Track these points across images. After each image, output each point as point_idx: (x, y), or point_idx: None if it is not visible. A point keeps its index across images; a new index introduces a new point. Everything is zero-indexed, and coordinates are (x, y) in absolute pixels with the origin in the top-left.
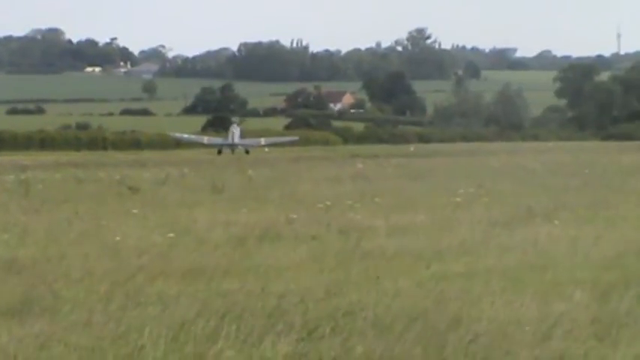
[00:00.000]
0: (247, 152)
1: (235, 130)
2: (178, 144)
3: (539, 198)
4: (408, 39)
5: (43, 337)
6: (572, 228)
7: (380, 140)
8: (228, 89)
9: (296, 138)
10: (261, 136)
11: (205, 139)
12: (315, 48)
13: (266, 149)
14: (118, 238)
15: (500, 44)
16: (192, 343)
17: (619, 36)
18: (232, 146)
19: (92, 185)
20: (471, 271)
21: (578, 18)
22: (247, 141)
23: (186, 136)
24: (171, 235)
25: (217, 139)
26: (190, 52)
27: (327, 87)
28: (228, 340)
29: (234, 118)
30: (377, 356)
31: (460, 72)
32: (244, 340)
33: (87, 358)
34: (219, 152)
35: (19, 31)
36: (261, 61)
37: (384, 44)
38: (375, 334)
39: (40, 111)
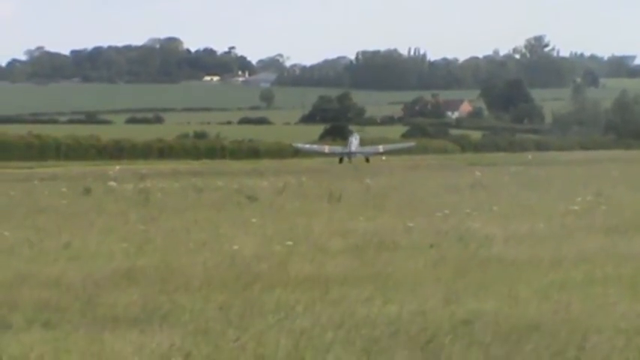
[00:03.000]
0: (367, 160)
1: (355, 139)
2: (297, 153)
3: None
4: (526, 47)
5: (164, 346)
6: None
7: (498, 148)
8: (346, 98)
9: (412, 144)
10: (378, 144)
11: (326, 149)
12: (432, 56)
13: (383, 157)
14: (236, 247)
15: (619, 51)
16: (312, 352)
17: None
18: (350, 154)
19: (211, 194)
20: (590, 279)
21: None
22: (367, 149)
23: (307, 145)
24: (290, 243)
25: (337, 148)
26: (308, 60)
27: (444, 95)
28: (347, 350)
29: (351, 127)
30: None
31: (578, 80)
32: (363, 349)
33: None
34: (341, 161)
35: (138, 40)
36: (379, 69)
37: (502, 52)
38: (494, 343)
39: (158, 120)
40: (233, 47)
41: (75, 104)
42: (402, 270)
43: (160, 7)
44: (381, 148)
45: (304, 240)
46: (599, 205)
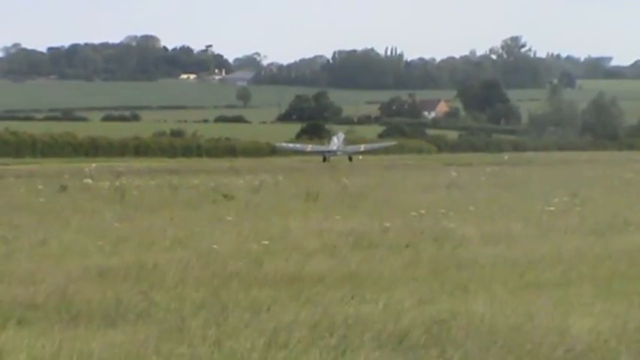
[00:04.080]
0: (350, 159)
1: (338, 139)
2: (274, 151)
3: (635, 207)
4: (502, 47)
5: (137, 343)
6: None
7: (474, 148)
8: (323, 97)
9: (393, 142)
10: (359, 143)
11: (308, 147)
12: (409, 56)
13: (360, 157)
14: (212, 245)
15: (596, 53)
16: (286, 350)
17: None
18: (331, 153)
19: (186, 192)
20: (565, 281)
21: None
22: (349, 148)
23: (291, 145)
24: (266, 242)
25: (320, 147)
26: (285, 59)
27: (421, 95)
28: (322, 349)
29: (328, 127)
30: None
31: (555, 81)
32: (337, 348)
33: None
34: (324, 159)
35: (115, 38)
36: (356, 69)
37: (479, 52)
38: (468, 343)
39: (134, 118)
40: (210, 45)
41: (51, 101)
42: (377, 269)
43: (137, 5)
44: (362, 147)
45: (280, 239)
46: (575, 205)
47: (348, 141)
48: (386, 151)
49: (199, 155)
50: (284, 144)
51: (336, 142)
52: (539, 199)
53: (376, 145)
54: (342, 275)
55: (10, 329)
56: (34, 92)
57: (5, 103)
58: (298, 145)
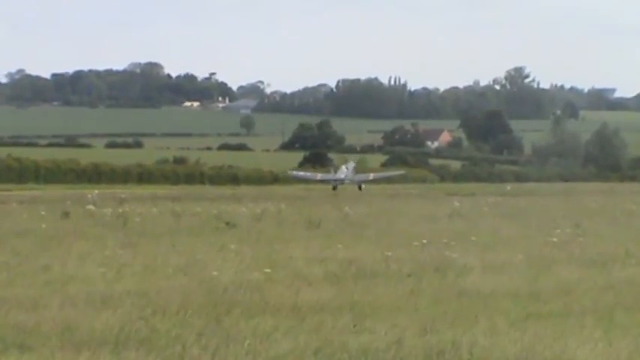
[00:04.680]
0: (360, 188)
1: (349, 167)
2: (275, 179)
3: (637, 239)
4: (506, 78)
5: None
6: None
7: (477, 179)
8: (326, 125)
9: (402, 172)
10: (367, 172)
11: (318, 176)
12: (413, 85)
13: (362, 186)
14: (214, 273)
15: (599, 84)
16: None
17: None
18: (337, 181)
19: (189, 219)
20: (567, 312)
21: None
22: (357, 177)
23: (302, 173)
24: (268, 270)
25: (329, 176)
26: (288, 87)
27: (424, 125)
28: None
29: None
30: None
31: (558, 112)
32: None
33: None
34: (334, 188)
35: (119, 65)
36: (359, 97)
37: (482, 82)
38: None
39: (138, 145)
40: (214, 73)
41: (55, 128)
42: (379, 299)
43: (142, 32)
44: (371, 176)
45: (282, 267)
46: (578, 236)
47: (357, 170)
48: (388, 180)
49: (202, 182)
50: (294, 172)
51: (344, 171)
52: (542, 230)
53: (385, 175)
54: (343, 304)
55: (12, 356)
56: (38, 118)
57: (9, 129)
58: (308, 174)
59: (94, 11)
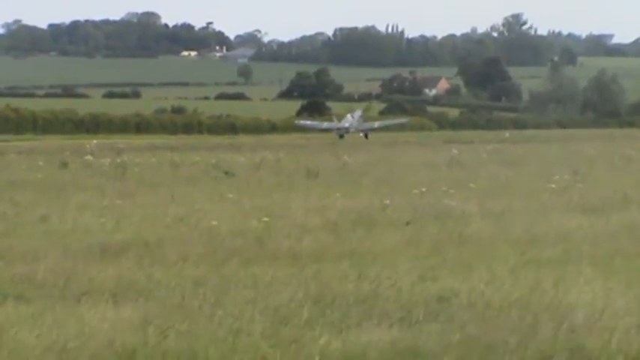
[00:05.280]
0: (366, 137)
1: (354, 116)
2: (273, 128)
3: (635, 185)
4: (503, 24)
5: (138, 320)
6: None
7: (475, 126)
8: (324, 74)
9: (406, 120)
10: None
11: (325, 124)
12: (410, 33)
13: (360, 134)
14: (213, 223)
15: (597, 30)
16: (288, 327)
17: None
18: (341, 130)
19: (188, 169)
20: (566, 258)
21: None
22: (363, 125)
23: (309, 122)
24: (266, 219)
25: (335, 124)
26: (286, 36)
27: (422, 72)
28: (323, 325)
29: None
30: (473, 343)
31: (556, 58)
32: (338, 325)
33: (181, 341)
34: (341, 137)
35: (116, 14)
36: (357, 46)
37: (480, 30)
38: (469, 321)
39: (135, 95)
40: (211, 22)
41: (52, 78)
42: (378, 247)
43: None
44: (376, 124)
45: (281, 216)
46: (576, 183)
47: (363, 118)
48: (392, 128)
49: (200, 132)
50: (302, 121)
51: (350, 120)
52: (541, 177)
53: (390, 122)
54: (342, 252)
55: (10, 306)
56: (35, 69)
57: (6, 80)
58: (315, 123)
59: None
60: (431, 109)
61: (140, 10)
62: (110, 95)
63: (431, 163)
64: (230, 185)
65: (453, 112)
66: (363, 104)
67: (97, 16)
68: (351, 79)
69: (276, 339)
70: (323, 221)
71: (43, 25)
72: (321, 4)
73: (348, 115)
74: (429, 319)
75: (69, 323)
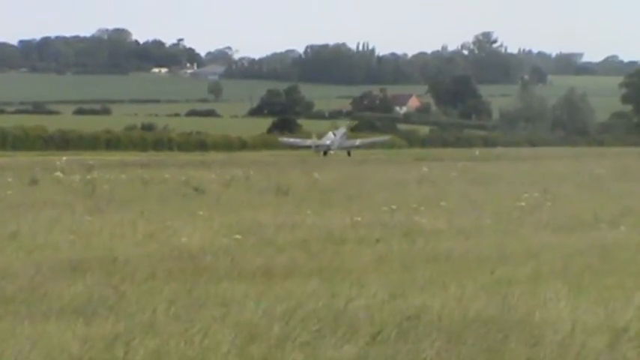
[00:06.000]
0: (349, 154)
1: (338, 133)
2: (244, 145)
3: (605, 203)
4: (474, 43)
5: (108, 337)
6: (637, 233)
7: (445, 144)
8: (294, 91)
9: (388, 138)
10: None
11: (308, 142)
12: (381, 51)
13: (332, 152)
14: (183, 239)
15: (567, 49)
16: (258, 344)
17: None
18: (320, 147)
19: (158, 186)
20: (536, 276)
21: None
22: (345, 142)
23: (292, 140)
24: (237, 236)
25: (317, 142)
26: (256, 53)
27: (392, 90)
28: (294, 343)
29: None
30: None
31: (526, 76)
32: (309, 343)
33: (151, 359)
34: (325, 153)
35: (86, 31)
36: (328, 63)
37: (451, 48)
38: (439, 338)
39: (106, 111)
40: (182, 39)
41: (23, 94)
42: (348, 264)
43: None
44: (357, 142)
45: (251, 233)
46: (546, 201)
47: (347, 136)
48: (374, 146)
49: (170, 149)
50: (285, 139)
51: (331, 137)
52: (511, 195)
53: (372, 140)
54: (312, 269)
55: None
56: (5, 85)
57: None
58: (298, 140)
59: None
60: (401, 126)
61: (111, 27)
62: (80, 112)
63: (401, 181)
64: (200, 202)
65: (424, 130)
66: (346, 121)
67: (68, 33)
68: (322, 96)
69: (246, 356)
70: (293, 238)
71: (13, 41)
72: (292, 22)
73: (330, 133)
74: (399, 336)
75: (38, 340)
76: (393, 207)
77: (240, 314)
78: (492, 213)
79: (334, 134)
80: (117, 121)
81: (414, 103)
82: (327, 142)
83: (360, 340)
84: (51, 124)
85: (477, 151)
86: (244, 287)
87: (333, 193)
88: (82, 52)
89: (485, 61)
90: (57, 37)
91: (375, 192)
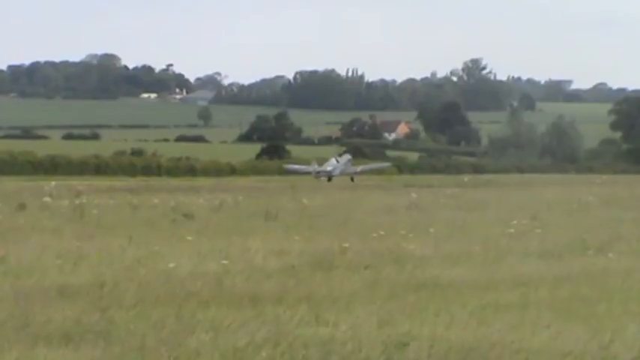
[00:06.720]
0: (352, 179)
1: (342, 160)
2: (233, 171)
3: (594, 230)
4: (463, 69)
5: None
6: (626, 260)
7: (434, 170)
8: (284, 117)
9: (388, 164)
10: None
11: (311, 169)
12: (370, 77)
13: (321, 178)
14: (171, 265)
15: (556, 76)
16: None
17: None
18: (322, 174)
19: (146, 211)
20: (524, 302)
21: (634, 51)
22: (351, 169)
23: (297, 166)
24: (225, 262)
25: (321, 168)
26: (246, 79)
27: (382, 116)
28: None
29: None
30: None
31: (515, 103)
32: None
33: None
34: (329, 179)
35: (75, 56)
36: (317, 89)
37: (440, 74)
38: None
39: (95, 136)
40: (171, 65)
41: (11, 119)
42: (336, 291)
43: (98, 24)
44: (359, 168)
45: (240, 259)
46: (535, 228)
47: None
48: (375, 172)
49: (159, 174)
50: (290, 165)
51: (334, 164)
52: (499, 222)
53: (372, 167)
54: (301, 296)
55: None
56: None
57: None
58: (302, 167)
59: (50, 2)
60: (390, 153)
61: (100, 52)
62: (69, 137)
63: (390, 207)
64: (189, 228)
65: (413, 156)
66: (336, 147)
67: (57, 58)
68: (311, 122)
69: None
70: (282, 264)
71: (2, 66)
72: (281, 48)
73: (333, 159)
74: None
75: None
76: (382, 233)
77: (228, 339)
78: (481, 240)
79: (337, 160)
80: (106, 147)
81: (402, 129)
82: (329, 169)
83: None
84: (40, 149)
85: (465, 178)
86: (233, 313)
87: (322, 219)
88: (72, 77)
89: (475, 88)
90: (46, 62)
91: (364, 218)
